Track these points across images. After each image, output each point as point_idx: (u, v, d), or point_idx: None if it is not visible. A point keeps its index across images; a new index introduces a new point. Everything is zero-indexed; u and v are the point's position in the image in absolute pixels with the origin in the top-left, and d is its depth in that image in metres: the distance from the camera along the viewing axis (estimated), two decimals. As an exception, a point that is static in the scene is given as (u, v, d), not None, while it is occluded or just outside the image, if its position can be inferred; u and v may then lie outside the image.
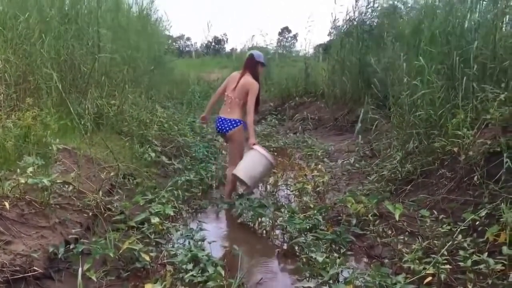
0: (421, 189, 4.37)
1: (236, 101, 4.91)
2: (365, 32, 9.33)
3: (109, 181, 4.41)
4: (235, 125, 4.90)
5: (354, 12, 9.70)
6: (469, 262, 2.88)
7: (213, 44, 58.31)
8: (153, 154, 5.56)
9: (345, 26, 10.70)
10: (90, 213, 3.61)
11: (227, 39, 55.22)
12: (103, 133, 5.57)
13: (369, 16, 9.45)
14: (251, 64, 5.02)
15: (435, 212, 3.72)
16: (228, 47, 46.74)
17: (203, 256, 3.15)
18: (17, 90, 5.01)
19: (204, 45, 45.37)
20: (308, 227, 3.86)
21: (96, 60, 5.99)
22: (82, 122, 5.21)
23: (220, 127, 4.95)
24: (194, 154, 6.49)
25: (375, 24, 9.49)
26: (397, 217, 3.71)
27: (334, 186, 5.34)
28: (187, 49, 48.02)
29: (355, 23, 9.67)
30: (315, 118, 9.78)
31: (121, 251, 3.17)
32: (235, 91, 4.92)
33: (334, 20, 10.83)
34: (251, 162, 4.73)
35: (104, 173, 4.41)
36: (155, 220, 3.65)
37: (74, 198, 3.65)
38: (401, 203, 4.26)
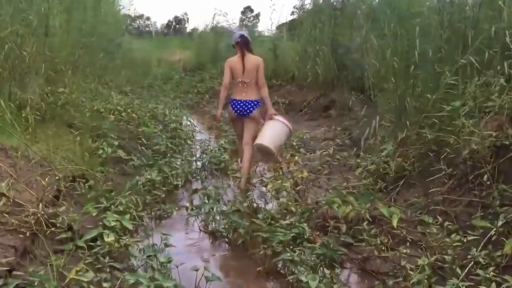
0: (416, 186, 3.89)
1: (250, 82, 4.93)
2: (337, 10, 8.75)
3: (54, 187, 3.71)
4: (256, 105, 4.97)
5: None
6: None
7: (174, 24, 56.73)
8: (109, 149, 4.87)
9: (311, 4, 10.17)
10: (28, 232, 2.92)
11: (188, 19, 53.82)
12: (49, 127, 4.83)
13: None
14: (246, 43, 5.06)
15: (438, 218, 3.23)
16: (189, 27, 45.41)
17: (169, 286, 2.54)
18: None
19: (165, 25, 43.97)
20: (291, 237, 3.30)
21: (44, 43, 5.19)
22: (24, 115, 4.48)
23: (241, 110, 4.96)
24: (156, 147, 5.80)
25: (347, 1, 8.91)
26: (394, 224, 3.25)
27: (314, 181, 4.80)
28: (147, 29, 46.40)
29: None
30: (285, 102, 9.20)
31: (65, 283, 2.53)
32: (245, 74, 4.92)
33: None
34: (274, 131, 4.80)
35: (48, 177, 3.71)
36: (109, 238, 3.00)
37: (6, 214, 2.95)
38: (395, 203, 3.80)
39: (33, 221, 3.00)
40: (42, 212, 3.11)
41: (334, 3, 9.17)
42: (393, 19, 5.15)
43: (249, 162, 4.96)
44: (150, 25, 48.84)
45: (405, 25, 4.90)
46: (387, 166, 4.22)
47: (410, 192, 3.92)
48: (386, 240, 3.22)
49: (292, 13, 16.95)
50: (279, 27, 16.31)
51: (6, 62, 4.88)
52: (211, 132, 8.10)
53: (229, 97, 5.11)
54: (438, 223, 3.19)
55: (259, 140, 4.74)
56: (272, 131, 4.80)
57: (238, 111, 4.96)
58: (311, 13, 10.17)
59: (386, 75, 5.16)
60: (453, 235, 2.96)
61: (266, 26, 21.50)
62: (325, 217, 3.77)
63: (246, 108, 4.95)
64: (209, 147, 6.48)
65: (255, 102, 4.95)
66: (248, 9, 53.73)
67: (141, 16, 48.44)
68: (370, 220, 3.43)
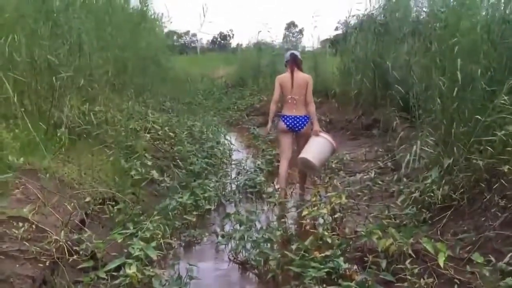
0: (465, 219, 3.55)
1: (299, 99, 5.18)
2: (382, 26, 8.43)
3: (82, 210, 3.62)
4: (307, 120, 5.25)
5: (370, 5, 8.79)
6: None
7: (219, 40, 57.56)
8: (142, 170, 4.78)
9: (356, 20, 9.91)
10: (49, 261, 2.81)
11: (233, 35, 54.40)
12: (84, 146, 4.80)
13: (386, 8, 8.53)
14: (297, 61, 5.35)
15: (491, 257, 2.90)
16: (234, 43, 45.87)
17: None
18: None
19: (210, 41, 44.62)
20: (325, 272, 3.05)
21: (78, 61, 5.20)
22: (58, 134, 4.46)
23: (293, 125, 5.22)
24: (190, 167, 5.67)
25: (391, 17, 8.57)
26: (441, 263, 2.92)
27: (353, 208, 4.52)
28: (192, 45, 47.24)
29: (373, 15, 8.76)
30: (326, 120, 8.93)
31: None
32: (294, 90, 5.18)
33: (350, 14, 9.90)
34: (319, 147, 5.07)
35: (76, 200, 3.63)
36: (131, 270, 2.85)
37: (27, 241, 2.85)
38: (441, 237, 3.48)
39: (54, 249, 2.90)
40: (65, 239, 3.01)
41: (378, 19, 8.86)
42: (440, 35, 4.85)
43: (303, 173, 5.39)
44: (196, 41, 49.65)
45: (453, 42, 4.59)
46: (432, 195, 3.89)
47: (458, 225, 3.58)
48: (431, 280, 2.91)
49: (336, 28, 16.70)
50: (322, 42, 16.11)
51: (43, 81, 4.91)
52: (248, 151, 7.94)
53: (277, 113, 5.41)
54: (490, 264, 2.86)
55: (304, 154, 5.01)
56: (317, 148, 5.06)
57: (290, 126, 5.22)
58: (355, 28, 9.90)
59: (432, 95, 4.84)
60: (507, 279, 2.63)
61: (310, 41, 21.22)
62: (363, 250, 3.49)
63: (297, 124, 5.21)
64: (245, 167, 6.31)
65: (306, 118, 5.23)
66: (292, 24, 53.87)
67: (187, 33, 49.39)
68: (413, 256, 3.13)
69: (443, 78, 4.41)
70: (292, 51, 5.57)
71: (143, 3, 8.93)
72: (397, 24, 8.02)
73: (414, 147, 4.73)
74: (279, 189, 5.20)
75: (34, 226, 3.03)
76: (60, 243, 2.94)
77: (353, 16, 9.92)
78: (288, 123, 5.22)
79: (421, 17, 7.83)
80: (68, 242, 3.05)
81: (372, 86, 8.13)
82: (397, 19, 8.16)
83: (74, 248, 3.06)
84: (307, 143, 5.13)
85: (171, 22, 12.31)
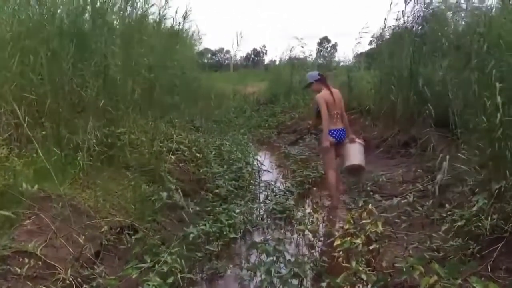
0: (518, 252, 3.14)
1: (339, 113, 5.71)
2: (418, 37, 8.01)
3: (96, 241, 3.40)
4: (345, 132, 5.77)
5: (404, 17, 8.38)
6: None
7: (252, 56, 57.80)
8: (164, 194, 4.53)
9: (390, 33, 9.52)
10: (53, 302, 2.58)
11: (266, 51, 54.59)
12: (105, 171, 4.61)
13: (423, 19, 8.12)
14: (326, 79, 5.96)
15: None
16: (267, 59, 45.96)
17: None
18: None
19: (243, 57, 44.85)
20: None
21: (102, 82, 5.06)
22: (78, 158, 4.29)
23: (339, 137, 5.68)
24: (216, 190, 5.41)
25: (428, 28, 8.16)
26: (494, 309, 2.52)
27: (391, 236, 4.14)
28: (226, 62, 47.59)
29: (408, 26, 8.37)
30: (360, 138, 8.52)
31: None
32: (336, 105, 5.65)
33: (385, 25, 9.50)
34: (361, 151, 5.70)
35: (91, 230, 3.42)
36: (142, 314, 2.58)
37: (32, 279, 2.63)
38: (492, 274, 3.08)
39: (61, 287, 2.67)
40: (75, 275, 2.79)
41: (415, 30, 8.45)
42: (482, 48, 4.46)
43: (337, 188, 5.76)
44: (230, 58, 50.04)
45: (495, 55, 4.20)
46: (480, 224, 3.49)
47: (511, 259, 3.17)
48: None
49: (371, 42, 16.24)
50: (356, 57, 15.69)
51: (64, 101, 4.78)
52: (278, 171, 7.63)
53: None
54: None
55: (355, 161, 5.61)
56: (360, 152, 5.67)
57: (338, 138, 5.64)
58: (390, 41, 9.51)
59: (476, 112, 4.44)
60: None
61: (343, 56, 20.67)
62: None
63: (342, 135, 5.70)
64: (274, 189, 6.00)
65: (344, 129, 5.76)
66: (325, 39, 53.58)
67: (221, 50, 49.81)
68: (460, 294, 2.75)
69: (487, 94, 4.01)
70: (315, 72, 6.34)
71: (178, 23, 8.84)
72: (435, 36, 7.59)
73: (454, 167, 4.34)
74: (332, 198, 5.63)
75: (41, 262, 2.82)
76: (70, 279, 2.71)
77: (387, 28, 9.54)
78: (336, 136, 5.62)
79: (460, 28, 7.40)
80: (78, 279, 2.83)
81: (409, 101, 7.71)
82: (435, 30, 7.73)
83: (84, 286, 2.82)
84: (345, 150, 5.65)
85: (201, 41, 12.15)
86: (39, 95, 4.49)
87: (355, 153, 5.61)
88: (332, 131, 5.60)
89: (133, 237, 3.69)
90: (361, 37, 13.35)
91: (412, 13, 8.30)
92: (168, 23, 7.85)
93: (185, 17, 8.12)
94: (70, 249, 3.11)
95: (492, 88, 3.87)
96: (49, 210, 3.44)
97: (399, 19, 8.57)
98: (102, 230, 3.55)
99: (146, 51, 6.55)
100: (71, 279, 2.73)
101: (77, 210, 3.65)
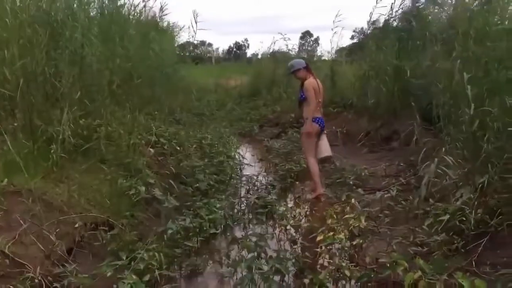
0: (505, 247, 3.08)
1: (321, 102, 5.83)
2: (402, 32, 7.96)
3: (70, 238, 3.25)
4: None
5: (393, 10, 8.33)
6: None
7: (234, 49, 57.54)
8: (142, 189, 4.39)
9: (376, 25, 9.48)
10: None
11: (248, 45, 54.35)
12: (81, 164, 4.44)
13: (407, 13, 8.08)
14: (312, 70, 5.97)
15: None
16: (249, 52, 45.79)
17: None
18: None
19: (225, 51, 44.59)
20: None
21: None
22: (52, 151, 4.11)
23: (323, 125, 5.78)
24: (197, 184, 5.28)
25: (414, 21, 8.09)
26: (481, 306, 2.46)
27: (374, 231, 4.07)
28: (208, 55, 47.25)
29: (394, 21, 8.32)
30: (342, 132, 8.48)
31: None
32: (320, 95, 5.75)
33: (370, 19, 9.41)
34: (327, 142, 5.89)
35: (64, 226, 3.27)
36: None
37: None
38: (477, 269, 3.02)
39: (30, 287, 2.53)
40: (43, 274, 2.64)
41: (399, 25, 8.41)
42: (467, 39, 4.40)
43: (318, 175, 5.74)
44: (212, 51, 49.66)
45: (481, 47, 4.15)
46: (464, 219, 3.43)
47: (497, 254, 3.11)
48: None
49: (352, 37, 16.22)
50: (339, 51, 15.59)
51: (37, 92, 4.59)
52: (260, 164, 7.53)
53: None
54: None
55: (327, 153, 5.86)
56: (327, 142, 5.88)
57: (322, 126, 5.73)
58: (373, 35, 9.46)
59: (459, 104, 4.38)
60: None
61: (326, 50, 20.55)
62: (387, 284, 3.04)
63: (323, 124, 5.79)
64: (256, 183, 5.90)
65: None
66: (307, 33, 53.58)
67: (203, 43, 49.39)
68: (445, 291, 2.68)
69: (469, 86, 3.94)
70: (300, 60, 6.34)
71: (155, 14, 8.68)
72: (419, 29, 7.55)
73: (436, 161, 4.29)
74: (315, 184, 5.58)
75: (9, 260, 2.67)
76: (37, 280, 2.57)
77: (372, 22, 9.48)
78: (321, 125, 5.71)
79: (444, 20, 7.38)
80: (48, 278, 2.68)
81: (392, 95, 7.66)
82: (419, 24, 7.68)
83: (55, 285, 2.68)
84: (321, 141, 5.76)
85: (179, 33, 11.92)
86: (11, 84, 4.28)
87: (326, 144, 5.81)
88: (317, 119, 5.67)
89: (108, 233, 3.56)
90: (336, 27, 12.99)
91: (400, 7, 8.28)
92: (148, 14, 7.72)
93: (162, 9, 8.03)
94: (41, 246, 2.97)
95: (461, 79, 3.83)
96: (19, 206, 3.28)
97: (389, 12, 8.49)
98: (76, 226, 3.41)
99: (124, 41, 6.39)
100: (40, 277, 2.58)
101: (49, 205, 3.49)
